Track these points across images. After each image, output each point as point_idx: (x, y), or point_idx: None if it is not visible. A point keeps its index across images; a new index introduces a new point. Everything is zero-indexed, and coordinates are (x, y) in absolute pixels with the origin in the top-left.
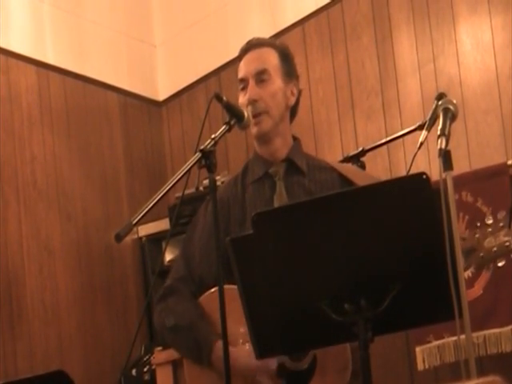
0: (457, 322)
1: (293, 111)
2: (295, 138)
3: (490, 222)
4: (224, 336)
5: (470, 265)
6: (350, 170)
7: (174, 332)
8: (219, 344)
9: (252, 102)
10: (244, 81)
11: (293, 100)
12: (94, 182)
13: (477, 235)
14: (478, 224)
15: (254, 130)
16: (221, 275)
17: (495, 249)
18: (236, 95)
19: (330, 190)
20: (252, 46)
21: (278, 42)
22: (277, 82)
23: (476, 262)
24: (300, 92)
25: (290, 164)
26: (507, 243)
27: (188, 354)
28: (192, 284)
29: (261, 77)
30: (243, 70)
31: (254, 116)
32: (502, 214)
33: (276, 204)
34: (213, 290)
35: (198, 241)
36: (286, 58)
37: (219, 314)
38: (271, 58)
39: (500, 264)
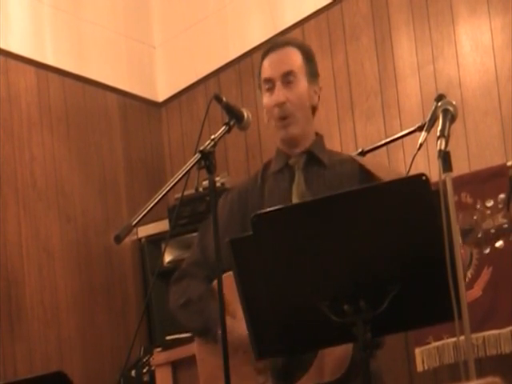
0: (456, 323)
1: (314, 108)
2: (317, 134)
3: (489, 204)
4: (223, 333)
5: (469, 245)
6: (370, 162)
7: (185, 308)
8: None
9: (280, 105)
10: (270, 81)
11: (316, 99)
12: (94, 183)
13: (475, 217)
14: (478, 206)
15: (281, 133)
16: (220, 275)
17: (493, 230)
18: (235, 96)
19: (349, 182)
20: (276, 45)
21: (301, 42)
22: (302, 82)
23: (473, 242)
24: (321, 89)
25: (311, 155)
26: (505, 225)
27: (198, 328)
28: (206, 268)
29: (287, 78)
30: (269, 70)
31: (282, 119)
32: (501, 197)
33: (294, 193)
34: (226, 274)
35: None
36: (309, 57)
37: (231, 295)
38: (296, 58)
39: (497, 245)
